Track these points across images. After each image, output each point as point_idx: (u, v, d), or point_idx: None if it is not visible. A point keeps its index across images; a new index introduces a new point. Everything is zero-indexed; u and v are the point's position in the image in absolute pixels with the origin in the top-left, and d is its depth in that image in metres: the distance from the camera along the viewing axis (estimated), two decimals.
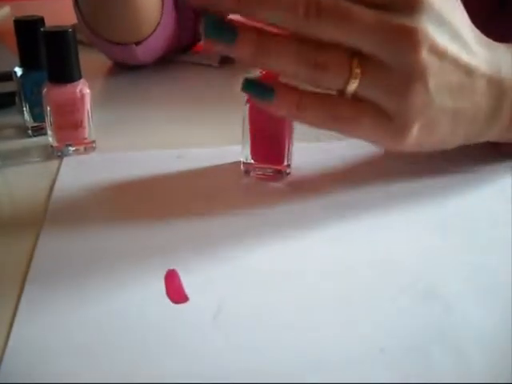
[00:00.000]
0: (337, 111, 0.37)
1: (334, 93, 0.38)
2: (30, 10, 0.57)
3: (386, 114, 0.37)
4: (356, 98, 0.37)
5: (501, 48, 0.42)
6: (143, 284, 0.34)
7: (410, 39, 0.35)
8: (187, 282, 0.34)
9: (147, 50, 0.70)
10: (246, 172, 0.47)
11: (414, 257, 0.37)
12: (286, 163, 0.46)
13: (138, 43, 0.69)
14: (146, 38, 0.69)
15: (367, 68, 0.36)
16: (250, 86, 0.38)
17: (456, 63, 0.38)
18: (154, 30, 0.69)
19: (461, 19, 0.39)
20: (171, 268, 0.35)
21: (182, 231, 0.39)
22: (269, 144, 0.45)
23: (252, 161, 0.46)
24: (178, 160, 0.49)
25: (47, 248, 0.38)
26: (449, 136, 0.41)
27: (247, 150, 0.46)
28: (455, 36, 0.38)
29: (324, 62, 0.36)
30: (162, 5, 0.69)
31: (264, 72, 0.42)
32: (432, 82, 0.36)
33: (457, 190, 0.43)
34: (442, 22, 0.37)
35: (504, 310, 0.33)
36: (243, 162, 0.46)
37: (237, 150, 0.47)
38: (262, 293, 0.34)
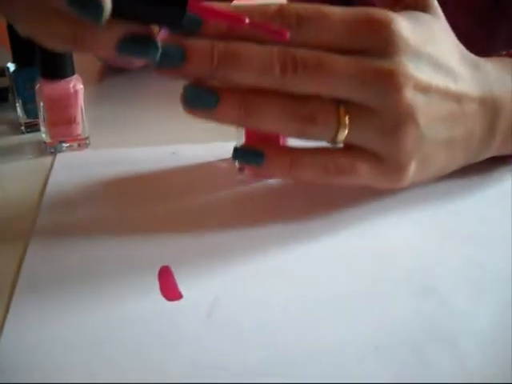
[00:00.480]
0: (331, 164, 0.37)
1: (324, 144, 0.37)
2: None
3: (380, 157, 0.37)
4: (348, 146, 0.36)
5: (488, 65, 0.41)
6: (136, 281, 0.34)
7: (391, 82, 0.35)
8: (180, 279, 0.34)
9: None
10: (241, 169, 0.46)
11: (411, 254, 0.37)
12: (282, 142, 0.45)
13: None
14: None
15: (355, 115, 0.35)
16: (240, 154, 0.38)
17: (443, 94, 0.37)
18: None
19: (442, 44, 0.38)
20: (165, 265, 0.35)
21: (176, 228, 0.39)
22: (263, 140, 0.45)
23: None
24: (173, 156, 0.48)
25: (39, 246, 0.37)
26: (446, 165, 0.40)
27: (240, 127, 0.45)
28: (438, 66, 0.37)
29: (311, 114, 0.35)
30: None
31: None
32: (422, 119, 0.36)
33: (454, 192, 0.42)
34: (421, 56, 0.36)
35: (501, 307, 0.32)
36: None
37: (231, 146, 0.46)
38: (257, 290, 0.34)
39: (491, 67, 0.41)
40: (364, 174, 0.37)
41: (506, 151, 0.43)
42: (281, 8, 0.35)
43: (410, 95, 0.35)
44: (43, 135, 0.49)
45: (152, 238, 0.38)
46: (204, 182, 0.45)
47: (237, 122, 0.37)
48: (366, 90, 0.35)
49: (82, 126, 0.50)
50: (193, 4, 0.30)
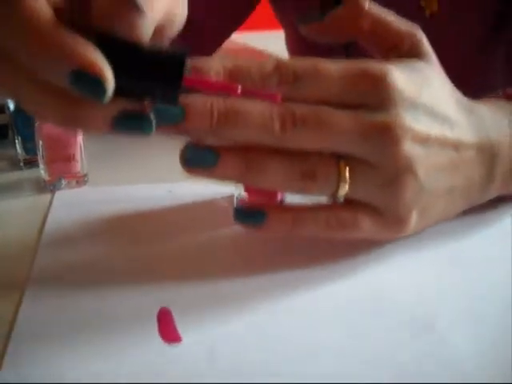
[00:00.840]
0: (333, 219, 0.37)
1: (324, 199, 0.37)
2: None
3: (380, 210, 0.37)
4: (349, 201, 0.37)
5: (483, 109, 0.41)
6: (135, 323, 0.34)
7: (388, 136, 0.35)
8: (180, 322, 0.34)
9: None
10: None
11: (412, 291, 0.37)
12: (280, 196, 0.45)
13: None
14: None
15: (355, 169, 0.36)
16: (241, 215, 0.37)
17: (441, 143, 0.38)
18: None
19: (437, 91, 0.39)
20: (164, 306, 0.35)
21: (174, 268, 0.39)
22: (262, 192, 0.45)
23: (245, 194, 0.46)
24: (170, 194, 0.49)
25: (37, 288, 0.37)
26: (447, 213, 0.41)
27: (240, 184, 0.46)
28: (434, 115, 0.38)
29: (311, 171, 0.35)
30: None
31: None
32: (421, 171, 0.36)
33: (454, 230, 0.43)
34: (418, 106, 0.37)
35: (501, 343, 0.33)
36: (236, 196, 0.46)
37: (228, 184, 0.46)
38: (258, 335, 0.33)
39: (486, 111, 0.42)
40: (366, 227, 0.37)
41: (505, 192, 0.44)
42: (277, 65, 0.35)
43: (408, 147, 0.36)
44: (42, 172, 0.50)
45: (151, 278, 0.38)
46: (203, 221, 0.45)
47: (237, 180, 0.37)
48: (365, 144, 0.35)
49: (80, 164, 0.50)
50: (187, 78, 0.31)
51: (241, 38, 1.00)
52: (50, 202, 0.48)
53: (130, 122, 0.31)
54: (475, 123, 0.40)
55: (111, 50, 0.29)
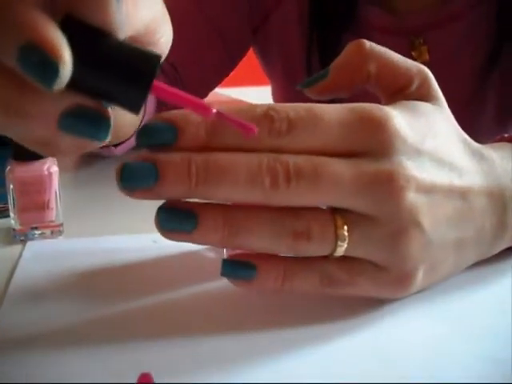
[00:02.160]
0: (327, 276, 0.33)
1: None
2: None
3: (382, 267, 0.33)
4: (345, 257, 0.33)
5: (493, 154, 0.38)
6: None
7: (390, 187, 0.32)
8: None
9: (126, 147, 0.65)
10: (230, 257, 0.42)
11: (421, 351, 0.32)
12: None
13: (116, 145, 0.61)
14: (125, 140, 0.61)
15: (354, 225, 0.32)
16: (229, 269, 0.33)
17: (448, 192, 0.34)
18: (133, 134, 0.61)
19: (443, 136, 0.36)
20: (145, 372, 0.30)
21: (157, 329, 0.35)
22: None
23: None
24: (154, 245, 0.44)
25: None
26: (456, 267, 0.37)
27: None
28: (440, 161, 0.34)
29: (305, 230, 0.31)
30: (145, 107, 0.66)
31: None
32: (427, 223, 0.33)
33: (465, 283, 0.39)
34: (422, 153, 0.34)
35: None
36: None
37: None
38: None
39: (496, 156, 0.39)
40: (365, 286, 0.34)
41: None
42: (269, 110, 0.31)
43: (412, 198, 0.32)
44: (12, 221, 0.45)
45: (130, 341, 0.33)
46: (189, 274, 0.40)
47: (220, 244, 0.32)
48: (365, 197, 0.32)
49: (55, 212, 0.46)
50: (158, 86, 0.26)
51: (228, 93, 0.98)
52: (20, 254, 0.43)
53: (82, 122, 0.26)
54: (485, 169, 0.37)
55: (76, 36, 0.24)
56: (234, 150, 0.31)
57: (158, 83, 0.26)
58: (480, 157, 0.37)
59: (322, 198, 0.32)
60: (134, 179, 0.30)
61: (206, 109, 0.27)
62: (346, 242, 0.32)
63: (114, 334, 0.34)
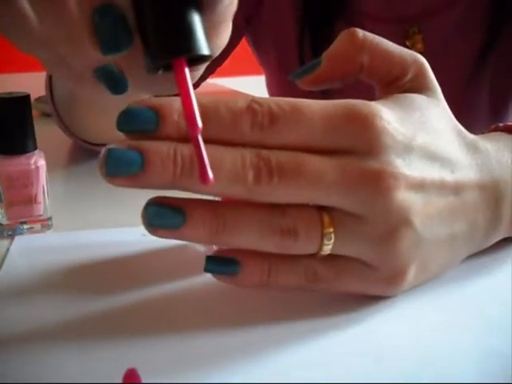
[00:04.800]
0: (312, 272, 0.32)
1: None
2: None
3: (371, 265, 0.33)
4: (331, 255, 0.32)
5: (488, 145, 0.38)
6: None
7: (378, 186, 0.31)
8: None
9: None
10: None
11: (421, 345, 0.32)
12: None
13: None
14: None
15: (340, 224, 0.31)
16: (212, 264, 0.33)
17: (439, 188, 0.34)
18: None
19: (437, 131, 0.35)
20: (131, 367, 0.30)
21: (145, 325, 0.34)
22: None
23: None
24: (143, 238, 0.44)
25: None
26: (448, 262, 0.37)
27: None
28: (431, 157, 0.34)
29: (291, 228, 0.31)
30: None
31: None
32: (417, 221, 0.32)
33: (461, 275, 0.38)
34: (412, 150, 0.33)
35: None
36: None
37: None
38: None
39: (491, 147, 0.38)
40: (352, 283, 0.33)
41: None
42: (251, 103, 0.30)
43: (402, 197, 0.31)
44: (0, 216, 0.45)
45: (117, 336, 0.33)
46: (179, 268, 0.40)
47: (207, 241, 0.32)
48: (352, 196, 0.31)
49: (43, 206, 0.45)
50: (179, 66, 0.27)
51: (222, 82, 0.98)
52: (8, 250, 0.43)
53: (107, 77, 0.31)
54: (479, 162, 0.36)
55: None
56: (217, 142, 0.30)
57: (181, 66, 0.27)
58: (474, 150, 0.37)
59: (306, 196, 0.31)
60: (118, 166, 0.29)
61: (193, 124, 0.27)
62: (332, 241, 0.31)
63: (102, 329, 0.33)
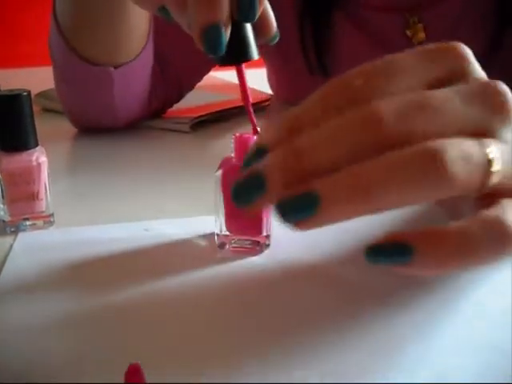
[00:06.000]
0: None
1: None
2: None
3: None
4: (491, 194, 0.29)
5: None
6: (101, 380, 0.29)
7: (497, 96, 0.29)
8: (152, 380, 0.29)
9: (123, 86, 0.67)
10: (221, 245, 0.42)
11: (419, 342, 0.32)
12: (265, 234, 0.41)
13: (116, 67, 0.66)
14: (124, 64, 0.66)
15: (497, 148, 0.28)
16: (379, 253, 0.27)
17: None
18: (133, 59, 0.67)
19: None
20: (134, 362, 0.30)
21: (148, 320, 0.34)
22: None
23: (227, 232, 0.42)
24: (146, 233, 0.44)
25: None
26: None
27: (221, 221, 0.41)
28: None
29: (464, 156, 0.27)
30: (147, 39, 0.68)
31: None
32: None
33: (475, 283, 0.38)
34: None
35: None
36: (217, 234, 0.42)
37: (210, 220, 0.42)
38: None
39: None
40: None
41: None
42: (367, 75, 0.29)
43: None
44: (2, 213, 0.45)
45: (121, 332, 0.33)
46: (181, 263, 0.40)
47: (354, 215, 0.27)
48: (480, 112, 0.29)
49: (45, 203, 0.45)
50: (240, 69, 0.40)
51: (223, 76, 0.97)
52: (11, 246, 0.43)
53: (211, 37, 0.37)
54: None
55: None
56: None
57: (241, 68, 0.40)
58: None
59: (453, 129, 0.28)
60: (245, 195, 0.28)
61: (254, 129, 0.39)
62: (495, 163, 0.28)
63: (106, 324, 0.34)
